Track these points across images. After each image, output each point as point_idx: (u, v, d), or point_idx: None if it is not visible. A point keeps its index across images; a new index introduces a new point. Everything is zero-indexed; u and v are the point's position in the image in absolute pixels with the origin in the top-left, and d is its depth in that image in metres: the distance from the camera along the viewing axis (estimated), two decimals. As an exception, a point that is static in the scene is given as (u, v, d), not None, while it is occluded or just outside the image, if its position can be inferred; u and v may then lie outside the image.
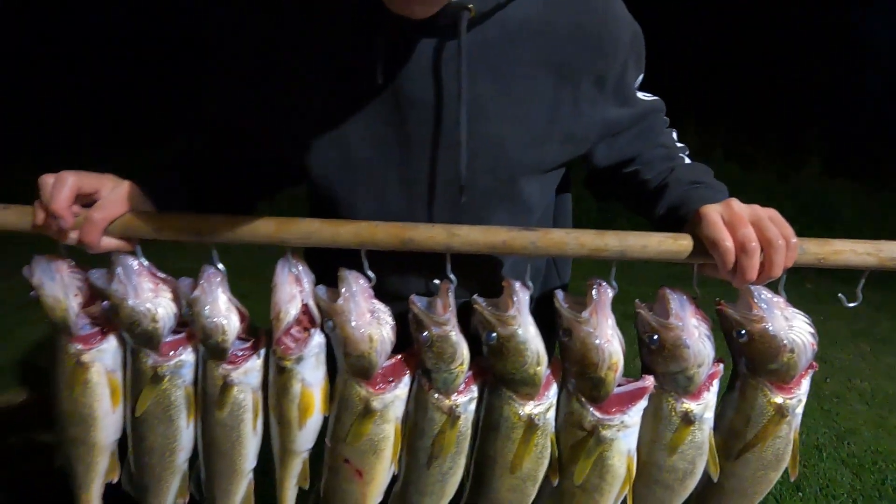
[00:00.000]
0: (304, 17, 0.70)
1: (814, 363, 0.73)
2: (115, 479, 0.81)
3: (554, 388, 0.74)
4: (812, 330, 0.71)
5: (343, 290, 0.70)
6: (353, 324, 0.69)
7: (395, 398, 0.74)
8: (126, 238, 0.68)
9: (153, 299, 0.70)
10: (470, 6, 0.65)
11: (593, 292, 0.70)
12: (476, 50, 0.68)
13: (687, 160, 0.86)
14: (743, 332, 0.71)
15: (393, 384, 0.73)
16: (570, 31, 0.70)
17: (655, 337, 0.71)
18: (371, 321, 0.71)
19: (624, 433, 0.72)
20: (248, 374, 0.73)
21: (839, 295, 0.72)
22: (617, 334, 0.71)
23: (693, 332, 0.70)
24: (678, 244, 0.68)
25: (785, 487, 1.94)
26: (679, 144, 0.89)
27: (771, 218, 0.65)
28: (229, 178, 0.82)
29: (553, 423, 0.75)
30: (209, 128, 0.82)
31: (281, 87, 0.72)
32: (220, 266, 0.71)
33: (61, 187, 0.63)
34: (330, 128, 0.71)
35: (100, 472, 0.79)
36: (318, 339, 0.72)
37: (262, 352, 0.74)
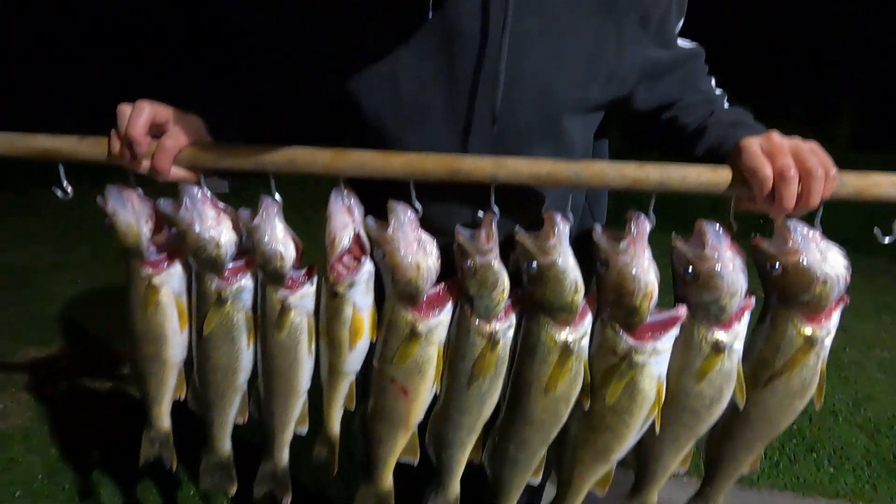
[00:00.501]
0: None
1: (845, 296, 0.75)
2: (182, 397, 0.89)
3: (589, 318, 0.78)
4: (846, 262, 0.73)
5: (392, 220, 0.74)
6: (402, 252, 0.74)
7: (438, 323, 0.78)
8: (191, 168, 0.73)
9: (216, 227, 0.75)
10: None
11: (631, 224, 0.73)
12: None
13: (726, 105, 0.86)
14: (777, 265, 0.73)
15: (437, 310, 0.78)
16: None
17: (690, 268, 0.73)
18: (418, 250, 0.75)
19: (655, 359, 0.76)
20: (303, 298, 0.79)
21: (875, 229, 0.73)
22: (653, 266, 0.74)
23: (728, 264, 0.73)
24: (717, 175, 0.69)
25: (799, 448, 1.98)
26: (718, 91, 0.89)
27: (812, 149, 0.66)
28: (278, 121, 0.86)
29: (587, 350, 0.79)
30: (259, 68, 0.85)
31: (333, 24, 0.74)
32: (277, 197, 0.76)
33: (139, 114, 0.67)
34: (381, 64, 0.74)
35: (170, 388, 0.87)
36: (368, 266, 0.77)
37: (315, 279, 0.79)
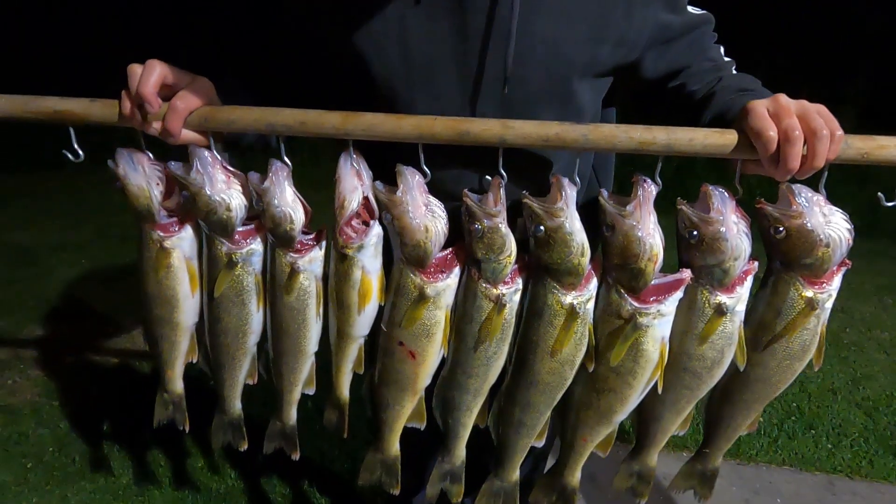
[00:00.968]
0: None
1: (847, 261, 0.76)
2: (195, 360, 0.90)
3: (594, 282, 0.79)
4: (849, 226, 0.73)
5: (401, 183, 0.74)
6: (410, 215, 0.74)
7: (446, 287, 0.79)
8: (201, 131, 0.73)
9: (227, 190, 0.75)
10: None
11: (638, 188, 0.73)
12: None
13: (734, 72, 0.86)
14: (780, 228, 0.73)
15: (445, 274, 0.79)
16: None
17: (695, 232, 0.74)
18: (426, 213, 0.75)
19: (659, 321, 0.77)
20: (312, 262, 0.79)
21: (878, 194, 0.74)
22: (658, 230, 0.74)
23: (732, 227, 0.73)
24: (724, 138, 0.69)
25: (798, 425, 2.01)
26: (727, 59, 0.88)
27: (818, 111, 0.66)
28: (288, 87, 0.85)
29: (592, 314, 0.80)
30: (269, 32, 0.85)
31: None
32: (287, 160, 0.76)
33: (150, 73, 0.67)
34: (391, 25, 0.73)
35: (182, 351, 0.88)
36: (376, 229, 0.77)
37: (324, 244, 0.80)
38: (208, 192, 0.74)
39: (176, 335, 0.86)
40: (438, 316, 0.80)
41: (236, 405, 0.94)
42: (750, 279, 0.78)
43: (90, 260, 3.24)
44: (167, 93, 0.70)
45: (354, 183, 0.74)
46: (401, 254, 0.78)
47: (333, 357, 0.87)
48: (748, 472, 1.82)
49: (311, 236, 0.80)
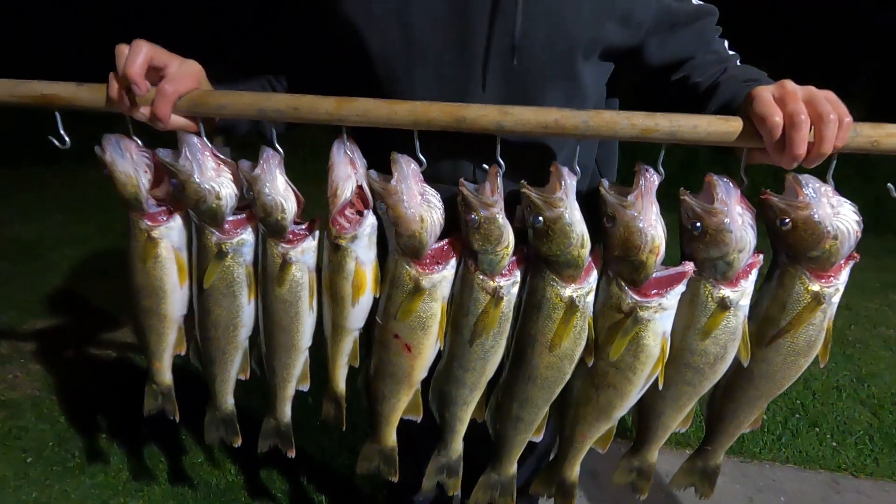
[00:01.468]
0: None
1: (855, 254, 0.73)
2: (183, 352, 0.87)
3: (594, 274, 0.76)
4: (858, 218, 0.70)
5: (395, 172, 0.72)
6: (405, 204, 0.71)
7: (442, 278, 0.77)
8: (191, 116, 0.70)
9: (217, 178, 0.73)
10: None
11: (640, 177, 0.71)
12: None
13: (739, 64, 0.83)
14: (787, 220, 0.71)
15: (441, 265, 0.76)
16: None
17: (699, 224, 0.71)
18: (422, 203, 0.73)
19: (661, 315, 0.75)
20: (304, 253, 0.77)
21: (888, 185, 0.71)
22: (660, 221, 0.72)
23: (737, 218, 0.71)
24: (728, 125, 0.67)
25: (802, 423, 1.98)
26: (731, 52, 0.86)
27: (826, 97, 0.63)
28: (282, 72, 0.83)
29: (591, 308, 0.77)
30: (263, 13, 0.82)
31: None
32: (279, 148, 0.73)
33: (137, 54, 0.64)
34: (392, 3, 0.71)
35: (170, 342, 0.86)
36: (371, 219, 0.75)
37: (317, 234, 0.77)
38: (197, 180, 0.71)
39: (163, 326, 0.83)
40: (434, 308, 0.78)
41: (228, 401, 0.92)
42: (755, 273, 0.75)
43: (92, 255, 3.23)
44: (155, 77, 0.67)
45: (348, 171, 0.72)
46: (396, 244, 0.75)
47: (329, 350, 0.85)
48: (752, 470, 1.80)
49: (304, 226, 0.77)
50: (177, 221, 0.77)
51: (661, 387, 0.79)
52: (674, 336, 0.78)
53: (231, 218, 0.76)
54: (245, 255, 0.78)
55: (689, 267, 0.73)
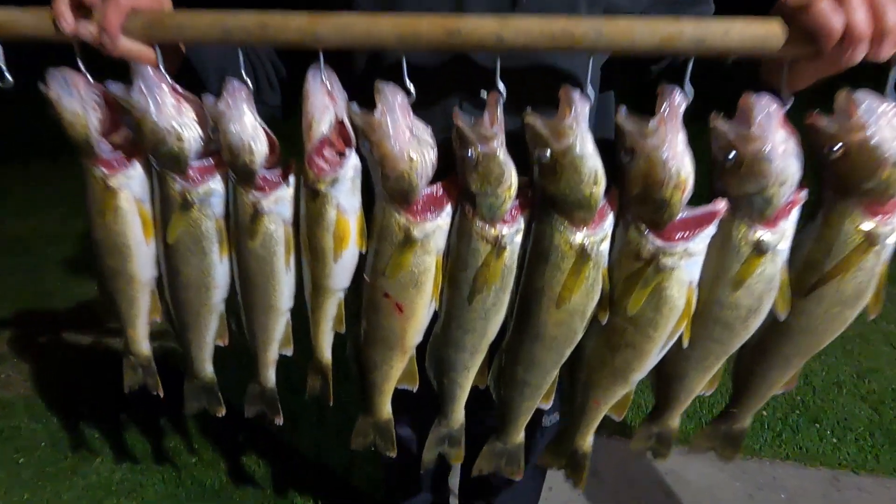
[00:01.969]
0: None
1: None
2: (159, 319, 0.80)
3: (610, 219, 0.66)
4: (922, 140, 0.59)
5: (380, 103, 0.62)
6: (391, 140, 0.62)
7: (436, 228, 0.67)
8: (147, 41, 0.60)
9: (177, 116, 0.63)
10: None
11: (663, 100, 0.60)
12: None
13: None
14: (837, 145, 0.60)
15: (434, 212, 0.67)
16: None
17: (733, 153, 0.61)
18: (411, 139, 0.63)
19: (686, 262, 0.65)
20: (278, 202, 0.68)
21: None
22: (688, 151, 0.61)
23: (778, 146, 0.60)
24: (767, 28, 0.56)
25: (802, 419, 1.91)
26: None
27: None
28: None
29: (606, 258, 0.68)
30: None
31: None
32: (248, 81, 0.63)
33: None
34: None
35: (141, 308, 0.78)
36: (354, 160, 0.65)
37: (293, 180, 0.68)
38: (154, 118, 0.62)
39: (132, 289, 0.75)
40: (428, 262, 0.69)
41: (207, 368, 0.84)
42: (796, 211, 0.64)
43: (87, 251, 3.17)
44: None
45: (325, 101, 0.62)
46: (382, 189, 0.66)
47: (311, 315, 0.77)
48: (751, 467, 1.73)
49: (278, 172, 0.67)
50: (137, 169, 0.68)
51: (685, 344, 0.69)
52: (701, 287, 0.68)
53: (196, 164, 0.67)
54: (214, 207, 0.69)
55: (721, 205, 0.63)
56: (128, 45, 0.59)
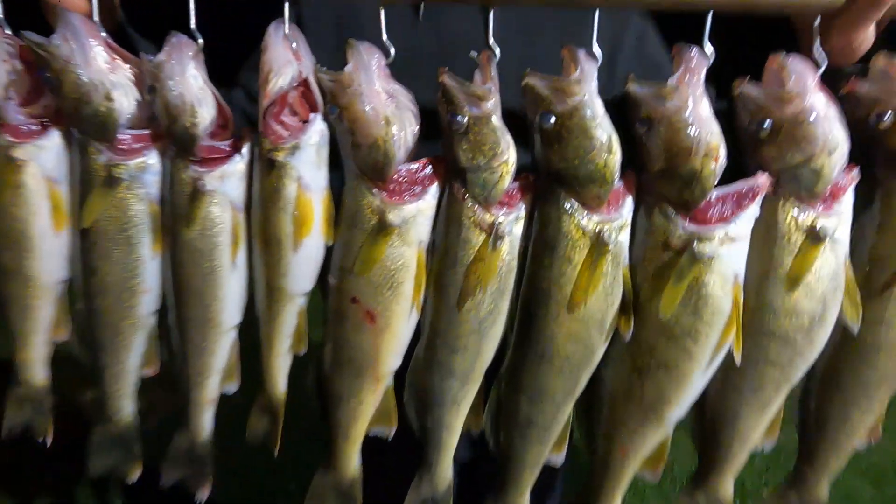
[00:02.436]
0: None
1: None
2: (65, 336, 0.62)
3: (629, 204, 0.56)
4: None
5: (352, 60, 0.53)
6: (364, 101, 0.53)
7: (418, 212, 0.56)
8: None
9: (108, 73, 0.54)
10: None
11: (680, 59, 0.52)
12: None
13: None
14: (886, 114, 0.51)
15: (416, 193, 0.56)
16: None
17: (767, 120, 0.51)
18: (388, 101, 0.53)
19: (728, 249, 0.53)
20: (225, 179, 0.56)
21: None
22: (714, 118, 0.52)
23: (821, 107, 0.51)
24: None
25: None
26: None
27: None
28: None
29: (627, 253, 0.55)
30: None
31: None
32: (199, 39, 0.54)
33: None
34: None
35: (41, 321, 0.62)
36: (319, 124, 0.55)
37: (247, 153, 0.56)
38: (78, 70, 0.52)
39: (30, 295, 0.60)
40: (407, 256, 0.56)
41: (125, 407, 0.65)
42: (850, 191, 0.54)
43: None
44: None
45: (287, 56, 0.53)
46: (353, 163, 0.55)
47: (262, 329, 0.61)
48: None
49: (227, 143, 0.56)
50: (53, 140, 0.57)
51: (738, 360, 0.54)
52: (746, 293, 0.55)
53: (129, 133, 0.55)
54: (148, 187, 0.57)
55: (764, 178, 0.53)
56: None
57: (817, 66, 0.54)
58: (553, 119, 0.52)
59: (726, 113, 0.55)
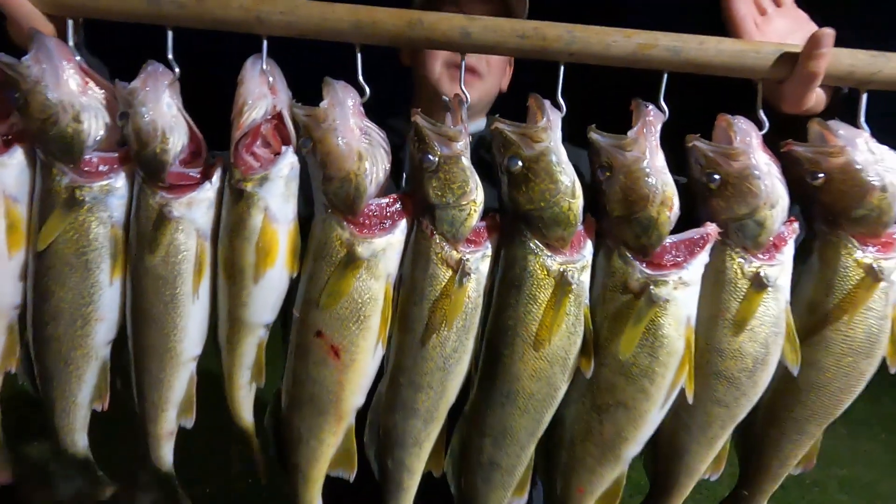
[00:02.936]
0: None
1: None
2: (13, 369, 0.59)
3: (590, 246, 0.58)
4: (907, 167, 0.57)
5: (327, 96, 0.54)
6: (338, 136, 0.54)
7: (387, 245, 0.56)
8: (58, 9, 0.52)
9: (78, 95, 0.53)
10: None
11: (638, 115, 0.56)
12: None
13: None
14: (819, 174, 0.56)
15: (385, 228, 0.56)
16: None
17: (716, 175, 0.56)
18: (361, 137, 0.55)
19: (682, 293, 0.56)
20: (192, 206, 0.55)
21: None
22: (667, 170, 0.56)
23: (763, 164, 0.56)
24: (744, 44, 0.55)
25: None
26: None
27: None
28: None
29: (587, 292, 0.58)
30: None
31: None
32: (176, 69, 0.55)
33: None
34: None
35: (-14, 349, 0.58)
36: (290, 157, 0.56)
37: (216, 182, 0.56)
38: (47, 91, 0.51)
39: (-26, 320, 0.56)
40: (375, 290, 0.56)
41: (77, 441, 0.61)
42: (791, 242, 0.58)
43: None
44: None
45: (263, 90, 0.54)
46: (323, 196, 0.55)
47: (223, 360, 0.59)
48: None
49: (198, 171, 0.56)
50: (15, 157, 0.55)
51: (690, 399, 0.56)
52: (696, 335, 0.58)
53: (97, 155, 0.55)
54: (112, 210, 0.56)
55: (713, 228, 0.56)
56: (23, 8, 0.51)
57: (760, 126, 0.59)
58: (520, 163, 0.55)
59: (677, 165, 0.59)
